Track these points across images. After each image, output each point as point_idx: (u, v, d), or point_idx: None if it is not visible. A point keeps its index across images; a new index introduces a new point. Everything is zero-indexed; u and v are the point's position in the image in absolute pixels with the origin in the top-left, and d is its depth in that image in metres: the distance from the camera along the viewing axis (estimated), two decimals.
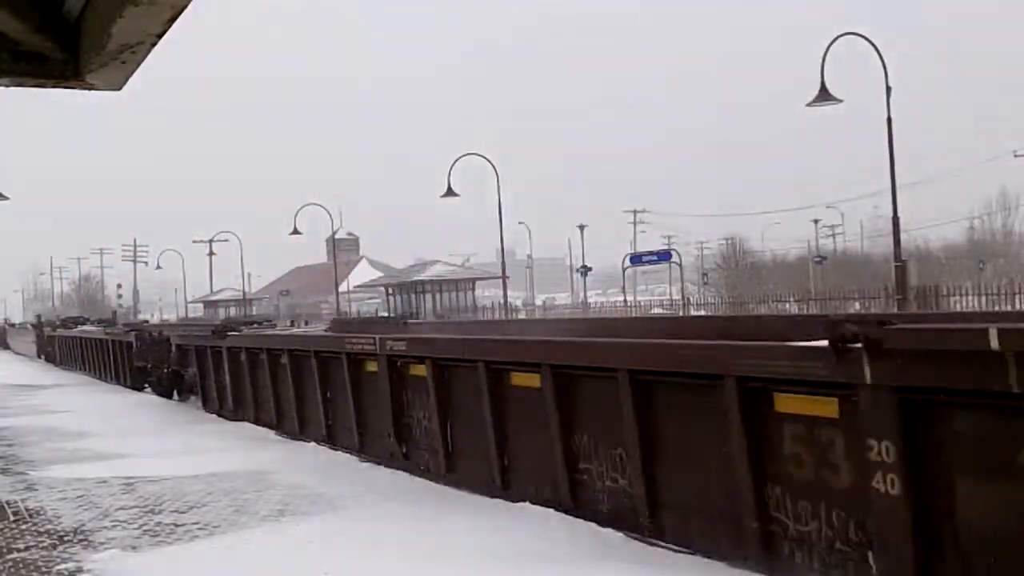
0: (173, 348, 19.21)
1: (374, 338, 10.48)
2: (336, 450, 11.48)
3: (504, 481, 8.37)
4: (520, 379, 8.06)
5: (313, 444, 12.33)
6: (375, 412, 10.67)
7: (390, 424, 10.20)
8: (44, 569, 6.70)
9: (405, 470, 9.86)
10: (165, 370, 20.20)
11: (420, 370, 9.54)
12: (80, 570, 6.66)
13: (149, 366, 21.55)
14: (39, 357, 42.13)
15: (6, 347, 60.09)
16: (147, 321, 49.13)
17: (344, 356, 11.16)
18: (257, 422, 14.38)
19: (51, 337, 39.45)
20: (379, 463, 10.35)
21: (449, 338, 10.81)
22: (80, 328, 36.39)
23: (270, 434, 13.57)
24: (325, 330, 17.69)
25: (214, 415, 16.30)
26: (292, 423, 13.10)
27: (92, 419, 16.33)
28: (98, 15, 4.94)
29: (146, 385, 22.31)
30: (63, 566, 6.75)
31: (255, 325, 20.25)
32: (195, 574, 6.60)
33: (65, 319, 46.31)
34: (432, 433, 9.45)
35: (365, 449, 10.99)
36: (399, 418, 10.10)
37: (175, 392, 20.08)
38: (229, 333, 15.85)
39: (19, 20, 5.19)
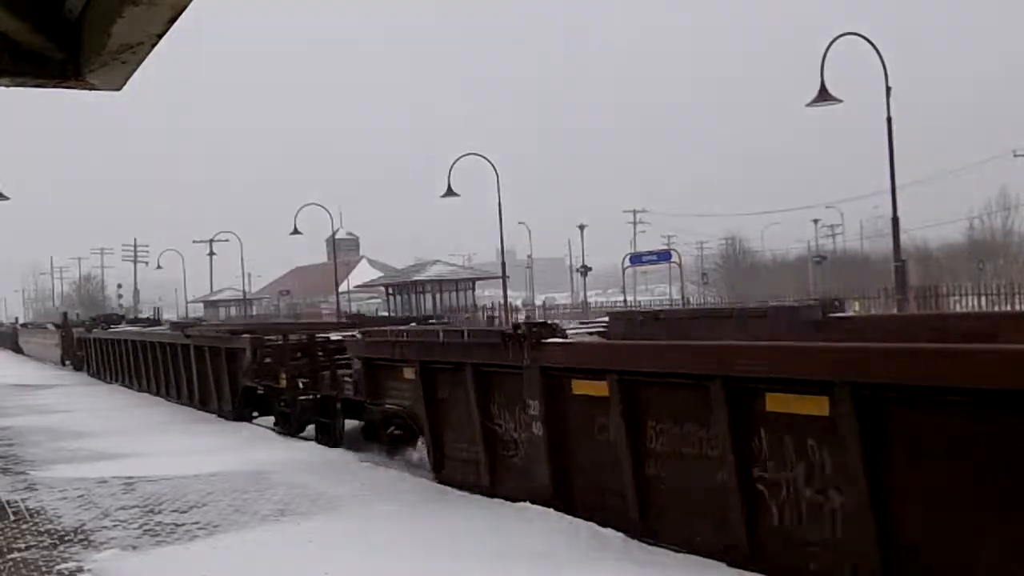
0: (358, 364, 11.30)
1: None
2: None
3: None
4: None
5: (312, 443, 12.21)
6: None
7: None
8: (45, 569, 6.70)
9: None
10: (313, 396, 12.98)
11: None
12: (80, 570, 6.66)
13: (268, 388, 14.27)
14: (63, 364, 34.82)
15: (18, 351, 51.83)
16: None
17: None
18: (660, 536, 6.62)
19: (82, 340, 31.44)
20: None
21: None
22: (125, 328, 28.13)
23: (269, 433, 13.50)
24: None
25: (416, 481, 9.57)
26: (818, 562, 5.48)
27: (92, 418, 16.33)
28: (98, 15, 4.94)
29: (255, 414, 15.25)
30: (63, 566, 6.76)
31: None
32: (195, 574, 6.60)
33: (97, 317, 37.29)
34: None
35: None
36: None
37: (315, 429, 12.99)
38: (549, 340, 7.77)
39: (19, 20, 5.19)
